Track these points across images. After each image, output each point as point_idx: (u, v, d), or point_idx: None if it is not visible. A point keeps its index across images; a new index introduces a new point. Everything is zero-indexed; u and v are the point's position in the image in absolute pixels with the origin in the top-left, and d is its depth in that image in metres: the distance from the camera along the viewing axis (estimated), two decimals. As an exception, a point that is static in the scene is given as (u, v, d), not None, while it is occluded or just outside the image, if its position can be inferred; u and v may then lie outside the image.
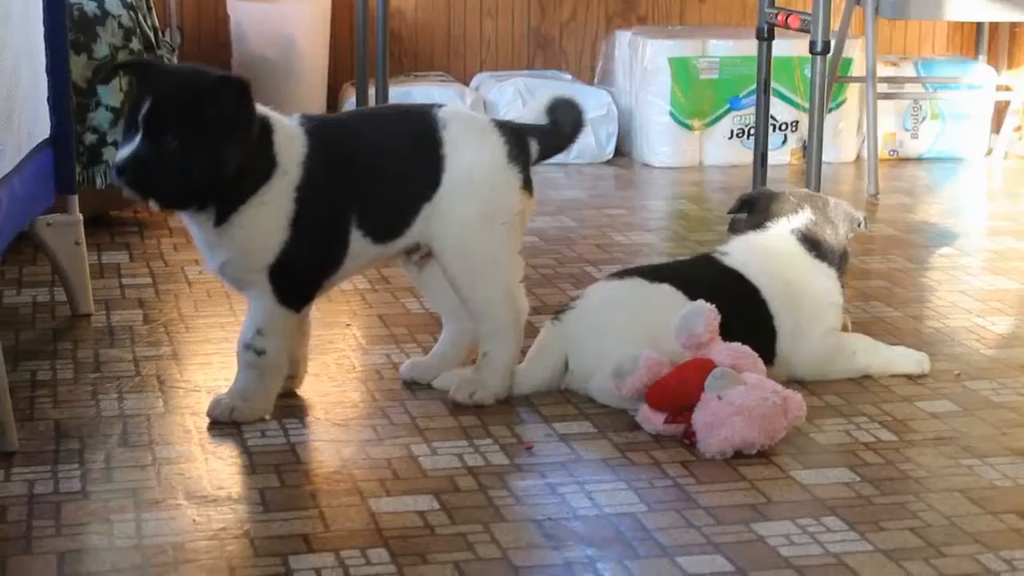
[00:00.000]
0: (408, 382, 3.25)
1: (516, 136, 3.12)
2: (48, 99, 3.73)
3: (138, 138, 2.78)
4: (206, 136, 2.78)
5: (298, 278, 2.97)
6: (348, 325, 3.71)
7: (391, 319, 3.75)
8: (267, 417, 3.01)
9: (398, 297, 3.95)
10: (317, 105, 5.87)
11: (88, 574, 2.36)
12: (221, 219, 2.89)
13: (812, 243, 3.39)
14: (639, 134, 6.06)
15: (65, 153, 3.80)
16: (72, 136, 3.86)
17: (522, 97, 5.92)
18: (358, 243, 3.00)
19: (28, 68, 3.56)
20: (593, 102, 5.99)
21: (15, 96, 3.40)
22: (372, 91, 5.46)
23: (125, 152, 2.78)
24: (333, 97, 6.05)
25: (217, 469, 2.78)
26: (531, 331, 3.44)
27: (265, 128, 2.90)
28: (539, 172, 5.75)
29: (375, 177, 3.01)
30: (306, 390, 3.20)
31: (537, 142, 3.16)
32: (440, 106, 3.12)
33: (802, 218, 3.42)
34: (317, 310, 3.79)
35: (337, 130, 3.06)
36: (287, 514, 2.59)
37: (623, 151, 6.11)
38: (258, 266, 2.92)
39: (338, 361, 3.43)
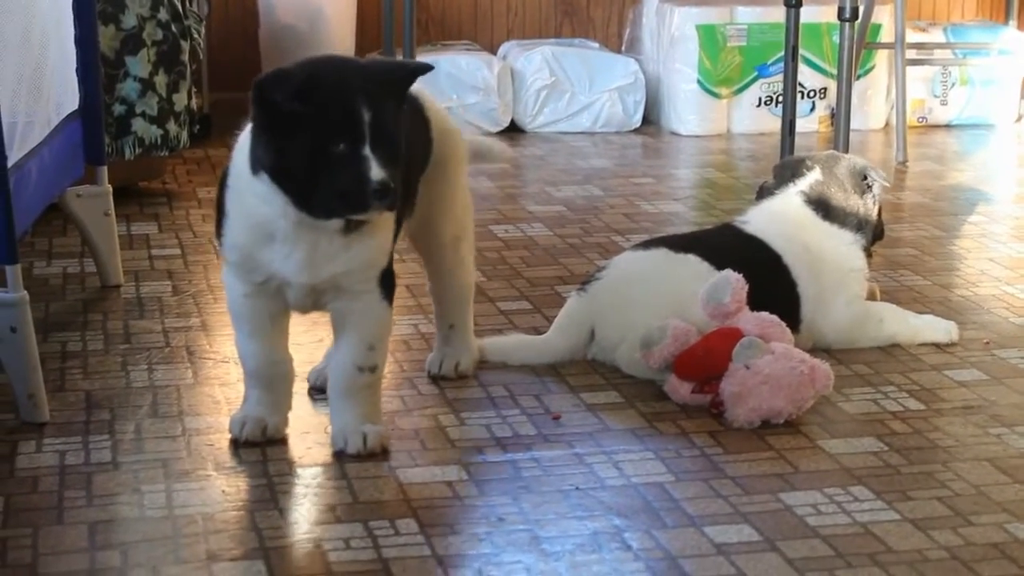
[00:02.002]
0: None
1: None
2: (77, 70, 3.74)
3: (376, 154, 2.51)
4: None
5: (392, 274, 2.75)
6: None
7: (418, 289, 3.75)
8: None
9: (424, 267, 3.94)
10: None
11: (119, 544, 2.38)
12: (352, 226, 2.60)
13: (819, 204, 3.38)
14: (667, 102, 6.05)
15: (94, 124, 3.81)
16: (101, 107, 3.87)
17: (549, 66, 5.90)
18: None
19: (56, 39, 3.57)
20: (620, 70, 5.98)
21: (44, 68, 3.41)
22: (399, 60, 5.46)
23: (381, 174, 2.49)
24: (360, 66, 6.04)
25: (245, 440, 2.79)
26: (558, 301, 3.45)
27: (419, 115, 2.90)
28: (566, 141, 5.83)
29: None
30: (334, 360, 3.21)
31: None
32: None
33: (809, 179, 3.41)
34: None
35: None
36: (316, 485, 2.60)
37: (650, 119, 6.10)
38: (375, 272, 2.67)
39: (366, 331, 3.43)
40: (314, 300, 2.71)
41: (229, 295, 2.74)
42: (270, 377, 2.77)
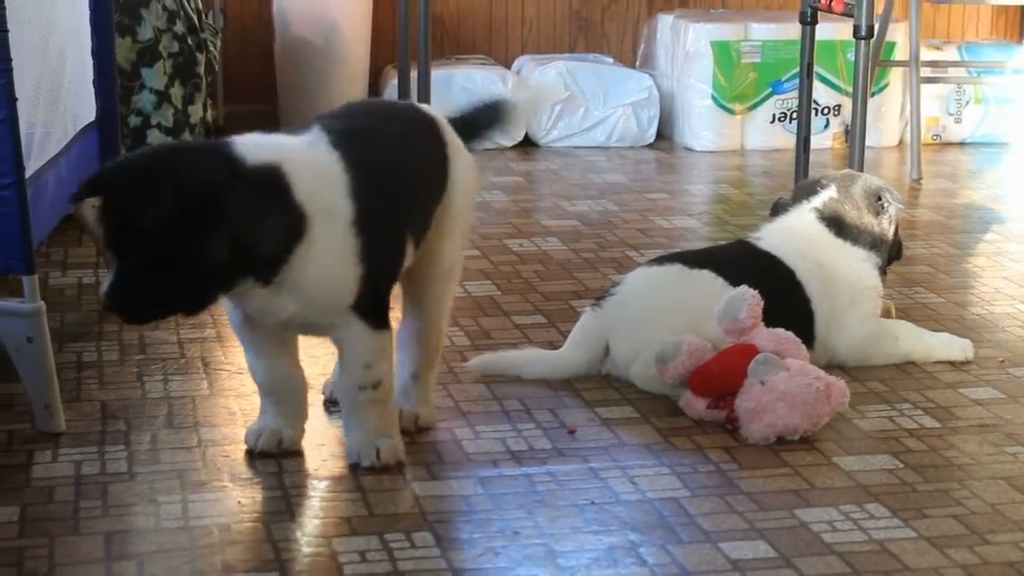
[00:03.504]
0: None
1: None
2: (93, 82, 3.75)
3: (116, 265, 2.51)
4: (169, 247, 2.46)
5: (382, 299, 2.71)
6: (391, 309, 3.71)
7: (433, 302, 3.75)
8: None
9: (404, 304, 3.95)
10: (359, 88, 5.87)
11: (135, 554, 2.38)
12: (267, 280, 2.57)
13: (833, 221, 3.38)
14: (681, 118, 6.05)
15: (110, 135, 3.82)
16: (117, 119, 3.88)
17: (564, 80, 5.91)
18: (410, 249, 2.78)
19: (74, 51, 3.58)
20: (634, 85, 5.99)
21: (62, 79, 3.42)
22: (414, 74, 5.47)
23: (106, 283, 2.51)
24: (375, 80, 6.06)
25: (262, 452, 2.79)
26: (572, 315, 3.45)
27: (274, 180, 2.55)
28: (580, 156, 5.83)
29: (412, 181, 2.80)
30: (349, 373, 3.21)
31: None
32: (420, 104, 3.02)
33: (823, 197, 3.42)
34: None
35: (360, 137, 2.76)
36: (332, 497, 2.61)
37: (664, 135, 6.10)
38: (343, 307, 2.63)
39: (381, 344, 3.43)
40: (299, 330, 2.73)
41: (231, 318, 2.77)
42: (281, 392, 2.78)
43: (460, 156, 2.91)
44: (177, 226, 2.43)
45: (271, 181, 2.54)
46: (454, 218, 2.88)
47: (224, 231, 2.46)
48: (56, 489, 2.62)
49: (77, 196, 2.51)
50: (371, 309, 2.66)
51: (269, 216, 2.52)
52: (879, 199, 3.41)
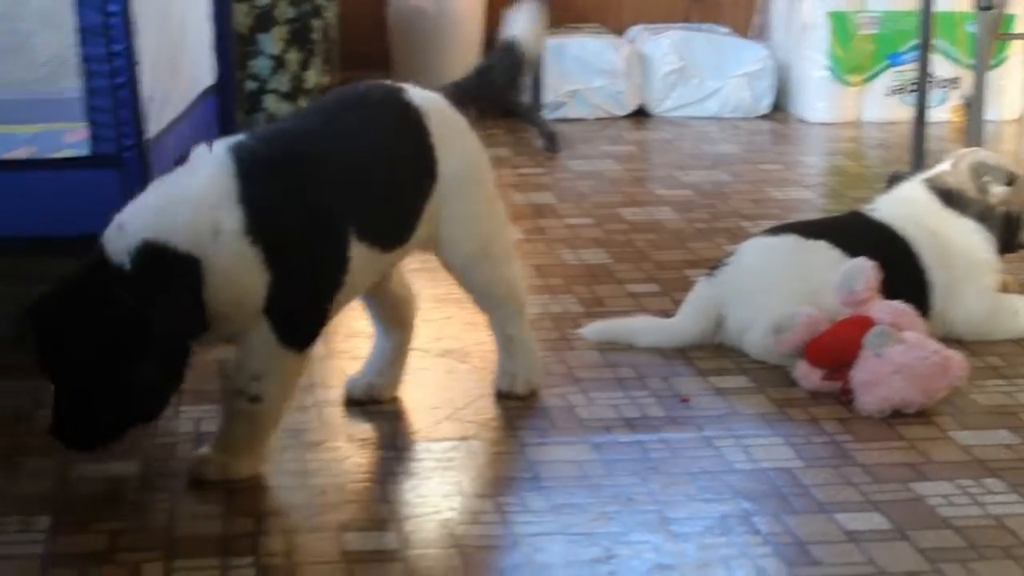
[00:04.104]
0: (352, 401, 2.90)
1: (466, 100, 2.83)
2: (212, 47, 3.79)
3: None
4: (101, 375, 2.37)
5: (303, 311, 2.55)
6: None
7: (546, 269, 3.76)
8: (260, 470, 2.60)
9: (553, 247, 3.96)
10: (472, 56, 5.87)
11: (253, 512, 2.42)
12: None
13: (942, 192, 3.35)
14: (796, 89, 6.00)
15: (227, 100, 3.87)
16: (234, 83, 3.93)
17: (678, 50, 5.88)
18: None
19: (193, 17, 3.63)
20: (750, 56, 5.94)
21: (181, 45, 3.47)
22: (528, 42, 5.47)
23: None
24: (488, 48, 6.05)
25: (377, 414, 2.82)
26: (686, 284, 3.44)
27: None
28: (693, 126, 5.81)
29: (360, 180, 2.62)
30: (463, 339, 3.23)
31: (474, 105, 2.85)
32: (405, 91, 2.76)
33: (936, 169, 3.41)
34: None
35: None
36: (446, 459, 2.62)
37: (780, 106, 6.05)
38: (251, 315, 2.47)
39: (494, 310, 3.45)
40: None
41: None
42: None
43: (451, 143, 2.73)
44: (106, 356, 2.35)
45: (173, 281, 2.39)
46: (459, 204, 2.75)
47: (152, 350, 2.36)
48: (177, 445, 2.67)
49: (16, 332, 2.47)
50: (284, 320, 2.48)
51: (183, 313, 2.40)
52: (983, 176, 3.38)
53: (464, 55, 5.77)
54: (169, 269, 2.38)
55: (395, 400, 2.89)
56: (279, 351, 2.49)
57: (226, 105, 3.87)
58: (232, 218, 2.41)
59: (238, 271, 2.42)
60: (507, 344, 2.91)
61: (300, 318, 2.53)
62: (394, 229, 2.68)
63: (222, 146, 2.49)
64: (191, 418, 2.77)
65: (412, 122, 2.70)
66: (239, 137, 2.54)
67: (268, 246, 2.43)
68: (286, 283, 2.46)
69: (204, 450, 2.57)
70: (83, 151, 2.93)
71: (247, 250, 2.42)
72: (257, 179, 2.45)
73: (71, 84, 3.11)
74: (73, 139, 3.15)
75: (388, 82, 2.83)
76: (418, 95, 2.75)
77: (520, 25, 2.92)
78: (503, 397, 2.90)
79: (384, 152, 2.66)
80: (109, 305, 2.34)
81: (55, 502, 2.45)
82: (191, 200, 2.41)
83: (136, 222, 2.39)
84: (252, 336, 2.48)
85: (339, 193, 2.55)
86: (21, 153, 3.20)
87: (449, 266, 2.86)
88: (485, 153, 2.83)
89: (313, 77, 4.89)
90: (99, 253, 2.39)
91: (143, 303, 2.35)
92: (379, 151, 2.65)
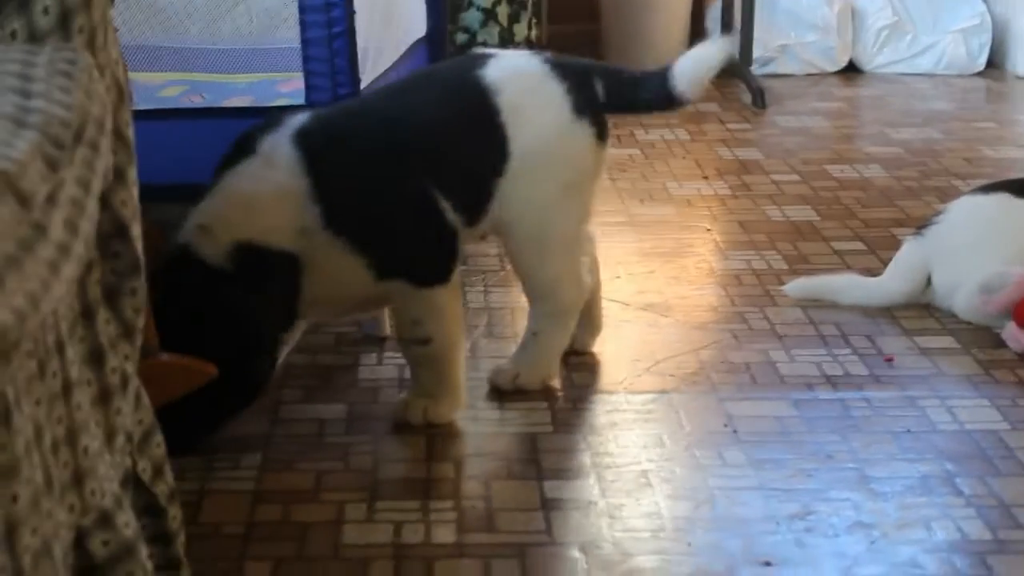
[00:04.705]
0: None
1: (577, 80, 2.67)
2: (425, -1, 3.83)
3: None
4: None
5: (423, 258, 2.57)
6: (708, 230, 3.72)
7: (751, 225, 3.74)
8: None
9: (758, 203, 3.94)
10: (683, 9, 5.83)
11: (454, 456, 2.46)
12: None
13: None
14: (1014, 45, 5.84)
15: (438, 51, 3.90)
16: (446, 35, 3.96)
17: (892, 5, 5.77)
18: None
19: (407, -32, 3.66)
20: (967, 11, 5.81)
21: (395, -5, 3.51)
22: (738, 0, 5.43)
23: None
24: (698, 1, 6.01)
25: (578, 364, 2.84)
26: (893, 243, 3.39)
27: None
28: (905, 83, 5.71)
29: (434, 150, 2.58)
30: (665, 293, 3.24)
31: (603, 85, 2.69)
32: (483, 63, 2.67)
33: None
34: (677, 213, 3.83)
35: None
36: (646, 411, 2.64)
37: (995, 63, 5.90)
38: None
39: (697, 265, 3.45)
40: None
41: None
42: None
43: (526, 120, 2.60)
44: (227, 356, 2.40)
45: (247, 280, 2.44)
46: (523, 184, 2.60)
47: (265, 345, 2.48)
48: (380, 390, 2.73)
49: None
50: (408, 272, 2.52)
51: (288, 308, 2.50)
52: None
53: (674, 10, 5.74)
54: (271, 267, 2.44)
55: (593, 354, 2.91)
56: (422, 293, 2.53)
57: (437, 56, 3.90)
58: (310, 216, 2.44)
59: (332, 262, 2.46)
60: (527, 339, 2.75)
61: (422, 265, 2.55)
62: (464, 209, 2.58)
63: (288, 138, 2.49)
64: (396, 364, 2.83)
65: (483, 100, 2.60)
66: (305, 120, 2.53)
67: (350, 237, 2.47)
68: (384, 258, 2.49)
69: (405, 395, 2.63)
70: (298, 100, 2.99)
71: (333, 241, 2.46)
72: (324, 174, 2.47)
73: (285, 35, 3.18)
74: (287, 89, 3.22)
75: (482, 52, 2.77)
76: (497, 68, 2.63)
77: (691, 68, 2.69)
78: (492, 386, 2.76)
79: (452, 132, 2.59)
80: (225, 307, 2.41)
81: (265, 441, 2.52)
82: (274, 199, 2.45)
83: (224, 224, 2.43)
84: (392, 290, 2.54)
85: (413, 170, 2.52)
86: (240, 101, 3.28)
87: (505, 250, 2.76)
88: (575, 133, 2.65)
89: (522, 30, 4.92)
90: (185, 254, 2.43)
91: (257, 301, 2.43)
92: (447, 131, 2.58)
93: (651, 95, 2.70)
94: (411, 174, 2.52)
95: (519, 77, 2.64)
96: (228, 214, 2.45)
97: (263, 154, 2.48)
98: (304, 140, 2.49)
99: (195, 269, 2.41)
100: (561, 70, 2.67)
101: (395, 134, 2.54)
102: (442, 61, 2.64)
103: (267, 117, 2.58)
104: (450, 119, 2.59)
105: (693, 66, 2.68)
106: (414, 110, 2.58)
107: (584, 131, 2.65)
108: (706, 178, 4.21)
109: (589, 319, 2.90)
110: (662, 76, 2.68)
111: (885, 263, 3.28)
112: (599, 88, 2.67)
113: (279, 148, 2.48)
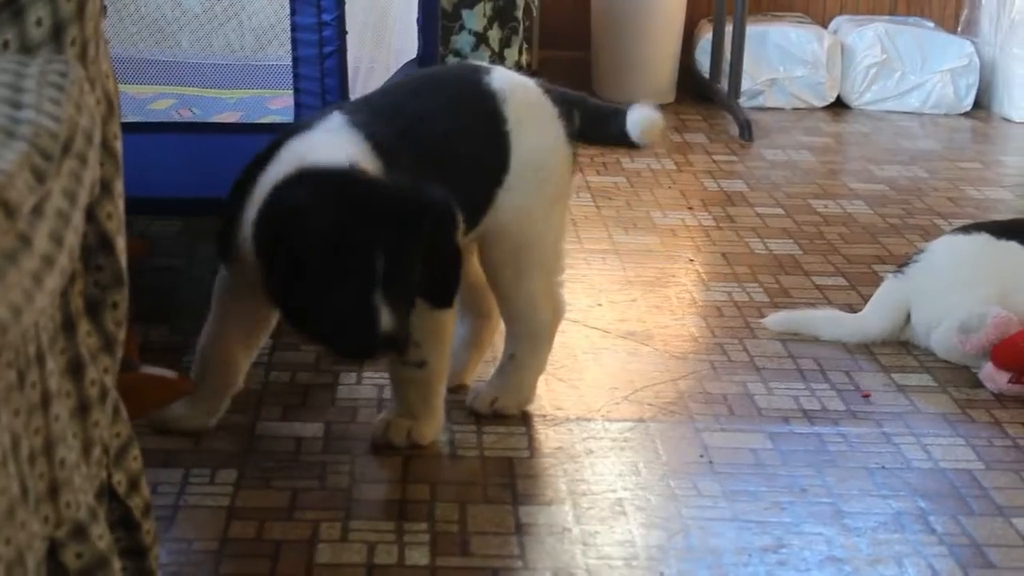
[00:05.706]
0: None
1: (562, 104, 2.70)
2: (417, 20, 3.85)
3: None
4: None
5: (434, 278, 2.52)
6: (691, 260, 3.73)
7: (734, 257, 3.76)
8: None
9: (742, 236, 3.95)
10: (673, 40, 5.86)
11: (430, 479, 2.47)
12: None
13: None
14: (1001, 87, 5.87)
15: (429, 74, 3.92)
16: (437, 57, 3.97)
17: (881, 43, 5.81)
18: None
19: (400, -11, 3.68)
20: (955, 52, 5.84)
21: (388, 17, 3.53)
22: (728, 29, 5.45)
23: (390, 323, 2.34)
24: (689, 33, 6.04)
25: (557, 390, 2.85)
26: (874, 280, 3.41)
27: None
28: (892, 120, 5.74)
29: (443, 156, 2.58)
30: (646, 322, 3.25)
31: (579, 115, 2.71)
32: (487, 71, 2.70)
33: None
34: (661, 243, 3.84)
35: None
36: (623, 440, 2.65)
37: (982, 104, 5.94)
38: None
39: (679, 295, 3.46)
40: None
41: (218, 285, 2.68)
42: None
43: (527, 131, 2.62)
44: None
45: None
46: (512, 196, 2.61)
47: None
48: (359, 410, 2.73)
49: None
50: (424, 290, 2.45)
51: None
52: None
53: (664, 40, 5.77)
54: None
55: (571, 380, 2.92)
56: (432, 314, 2.51)
57: (426, 79, 3.92)
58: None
59: None
60: (504, 362, 2.74)
61: (441, 284, 2.51)
62: (465, 213, 2.54)
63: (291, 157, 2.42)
64: (374, 384, 2.83)
65: (489, 107, 2.62)
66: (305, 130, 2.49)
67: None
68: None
69: (385, 415, 2.62)
70: (287, 118, 3.00)
71: None
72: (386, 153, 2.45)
73: (276, 52, 3.19)
74: (276, 106, 3.24)
75: (477, 63, 2.80)
76: (501, 78, 2.66)
77: (639, 120, 2.72)
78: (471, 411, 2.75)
79: (457, 137, 2.58)
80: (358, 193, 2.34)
81: (241, 458, 2.53)
82: None
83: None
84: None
85: (410, 174, 2.46)
86: (228, 117, 3.29)
87: (480, 261, 2.71)
88: (563, 153, 2.67)
89: (512, 55, 4.93)
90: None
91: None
92: (452, 136, 2.57)
93: (618, 132, 2.73)
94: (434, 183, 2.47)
95: (522, 89, 2.67)
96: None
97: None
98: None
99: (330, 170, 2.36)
100: (549, 92, 2.71)
101: (415, 143, 2.52)
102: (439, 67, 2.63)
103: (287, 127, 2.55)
104: (462, 124, 2.60)
105: (640, 119, 2.73)
106: (428, 114, 2.57)
107: (568, 152, 2.69)
108: (691, 208, 4.23)
109: (466, 352, 2.84)
110: (622, 118, 2.72)
111: (866, 299, 3.29)
112: (576, 117, 2.71)
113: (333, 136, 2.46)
